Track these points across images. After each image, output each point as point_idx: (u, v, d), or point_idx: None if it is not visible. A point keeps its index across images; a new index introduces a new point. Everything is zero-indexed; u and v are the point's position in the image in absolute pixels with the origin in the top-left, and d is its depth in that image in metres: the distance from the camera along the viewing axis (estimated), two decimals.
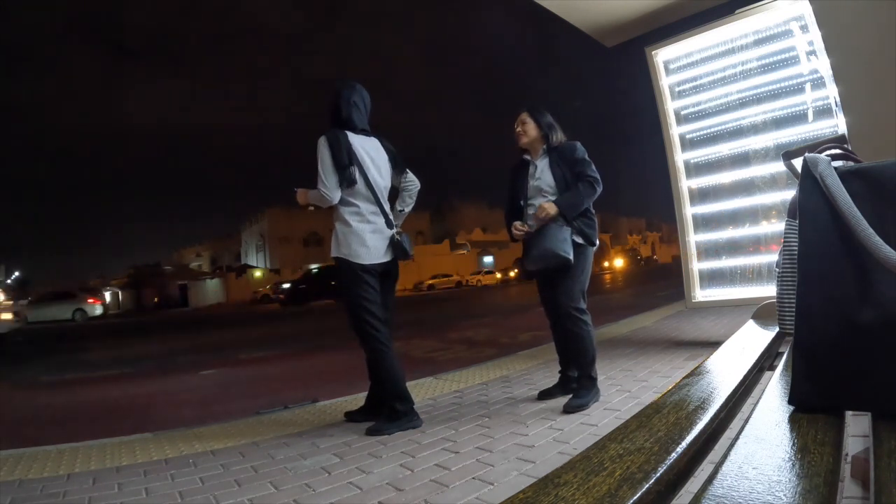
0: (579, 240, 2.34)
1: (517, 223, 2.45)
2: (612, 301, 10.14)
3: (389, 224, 2.29)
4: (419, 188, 2.48)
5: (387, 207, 2.33)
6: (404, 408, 2.18)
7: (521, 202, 2.49)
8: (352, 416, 2.41)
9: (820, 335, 0.51)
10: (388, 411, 2.20)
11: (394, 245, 2.28)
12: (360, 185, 2.22)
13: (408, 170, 2.45)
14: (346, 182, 2.18)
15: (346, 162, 2.17)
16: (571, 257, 2.26)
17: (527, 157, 2.53)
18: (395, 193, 2.44)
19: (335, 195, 2.19)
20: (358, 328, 2.22)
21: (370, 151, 2.29)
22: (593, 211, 2.41)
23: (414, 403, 2.24)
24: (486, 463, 1.70)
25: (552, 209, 2.30)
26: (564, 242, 2.26)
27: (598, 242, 2.43)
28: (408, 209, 2.46)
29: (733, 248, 3.59)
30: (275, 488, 1.62)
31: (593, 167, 2.38)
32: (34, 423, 3.40)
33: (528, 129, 2.46)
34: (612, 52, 4.11)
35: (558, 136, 2.45)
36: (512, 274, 36.19)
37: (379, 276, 2.26)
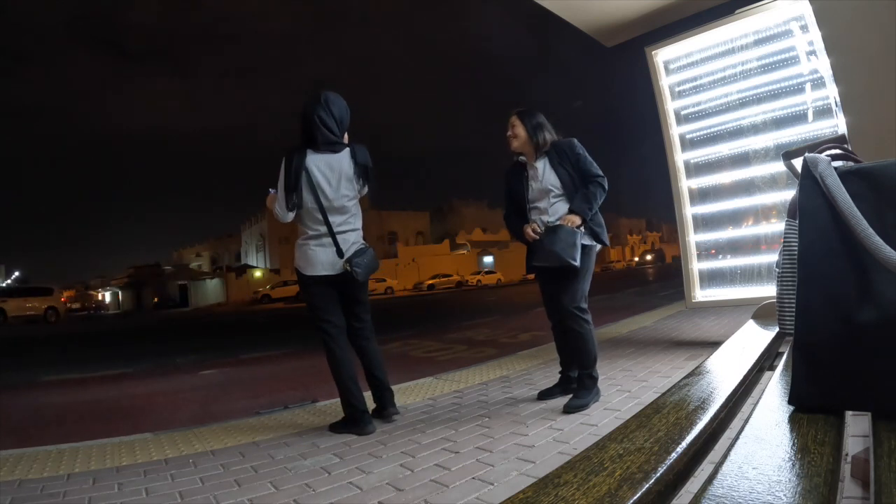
0: (589, 241, 2.34)
1: (529, 227, 2.40)
2: (613, 301, 10.14)
3: (339, 251, 2.24)
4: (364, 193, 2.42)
5: (344, 226, 2.28)
6: (349, 411, 2.22)
7: (526, 206, 2.46)
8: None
9: (820, 335, 0.51)
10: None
11: (344, 269, 2.24)
12: (311, 207, 2.23)
13: (367, 184, 2.37)
14: (289, 206, 2.23)
15: (291, 186, 2.20)
16: (578, 263, 2.25)
17: (522, 158, 2.50)
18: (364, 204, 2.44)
19: (284, 215, 2.26)
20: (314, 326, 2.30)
21: (326, 171, 2.24)
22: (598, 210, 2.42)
23: (364, 408, 2.21)
24: (486, 463, 1.70)
25: (577, 220, 2.30)
26: (573, 248, 2.25)
27: (608, 242, 2.45)
28: (365, 191, 2.40)
29: (734, 247, 3.60)
30: (275, 488, 1.62)
31: (596, 166, 2.39)
32: None
33: (518, 132, 2.44)
34: (612, 52, 4.12)
35: (545, 137, 2.41)
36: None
37: (334, 285, 2.28)
